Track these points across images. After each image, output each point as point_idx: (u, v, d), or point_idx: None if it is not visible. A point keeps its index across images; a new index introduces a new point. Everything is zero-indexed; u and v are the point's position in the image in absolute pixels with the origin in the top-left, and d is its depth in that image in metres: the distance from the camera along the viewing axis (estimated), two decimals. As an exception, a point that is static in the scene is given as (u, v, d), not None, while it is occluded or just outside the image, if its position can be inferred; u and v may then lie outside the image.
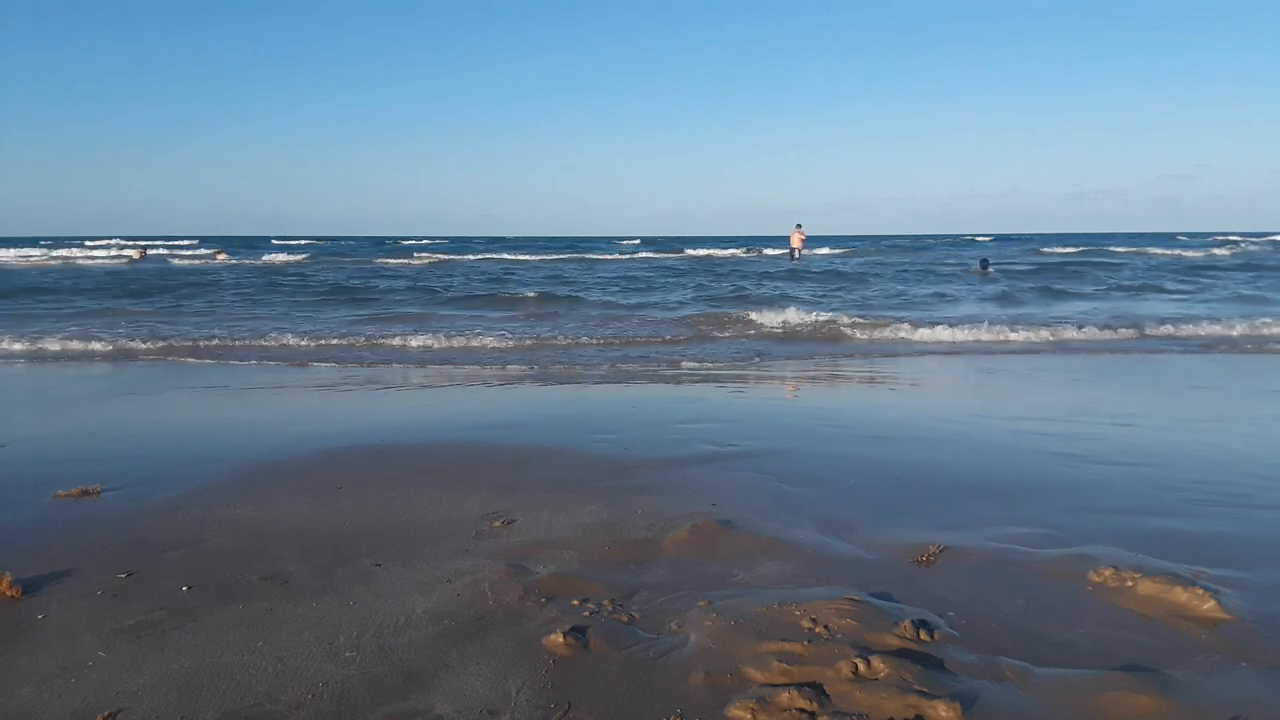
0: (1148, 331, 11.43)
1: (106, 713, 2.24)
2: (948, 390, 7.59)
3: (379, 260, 35.13)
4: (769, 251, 41.69)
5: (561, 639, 2.56)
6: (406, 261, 34.43)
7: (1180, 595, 2.84)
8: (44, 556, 3.30)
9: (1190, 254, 35.55)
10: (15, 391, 7.68)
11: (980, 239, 71.94)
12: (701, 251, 42.35)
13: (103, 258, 36.02)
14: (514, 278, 23.98)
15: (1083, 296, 17.76)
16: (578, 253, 42.40)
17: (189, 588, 3.03)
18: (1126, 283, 20.72)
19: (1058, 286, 19.55)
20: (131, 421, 6.04)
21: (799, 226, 31.48)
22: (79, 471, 4.44)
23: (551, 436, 5.32)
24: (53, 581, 3.07)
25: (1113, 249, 42.54)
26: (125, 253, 39.09)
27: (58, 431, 5.73)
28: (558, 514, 3.79)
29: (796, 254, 31.70)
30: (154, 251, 39.83)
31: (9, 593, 2.94)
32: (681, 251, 42.94)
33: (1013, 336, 11.11)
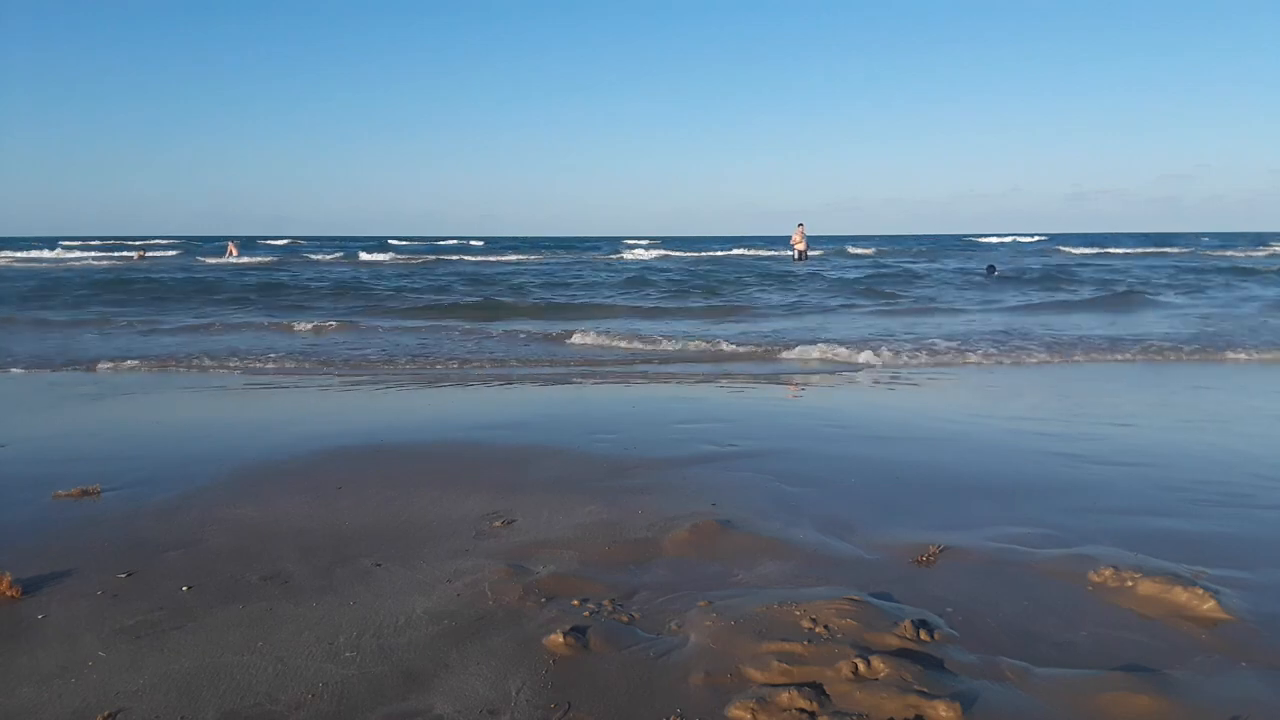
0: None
1: (106, 713, 2.24)
2: (947, 390, 7.58)
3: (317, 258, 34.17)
4: (738, 251, 40.50)
5: (561, 639, 2.56)
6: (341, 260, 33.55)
7: (1180, 595, 2.84)
8: (44, 556, 3.30)
9: (1232, 254, 33.99)
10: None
11: (998, 238, 69.46)
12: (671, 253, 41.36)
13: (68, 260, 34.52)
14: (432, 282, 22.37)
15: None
16: (570, 253, 41.78)
17: (189, 588, 3.03)
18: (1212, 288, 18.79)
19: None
20: (131, 421, 6.04)
21: (801, 225, 29.83)
22: (79, 471, 4.44)
23: (551, 436, 5.32)
24: (53, 581, 3.07)
25: (1138, 250, 41.57)
26: (120, 254, 38.81)
27: (58, 431, 5.73)
28: (558, 514, 3.79)
29: (799, 255, 30.10)
30: (153, 254, 39.63)
31: (9, 593, 2.94)
32: (624, 253, 41.83)
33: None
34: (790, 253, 32.02)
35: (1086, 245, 49.76)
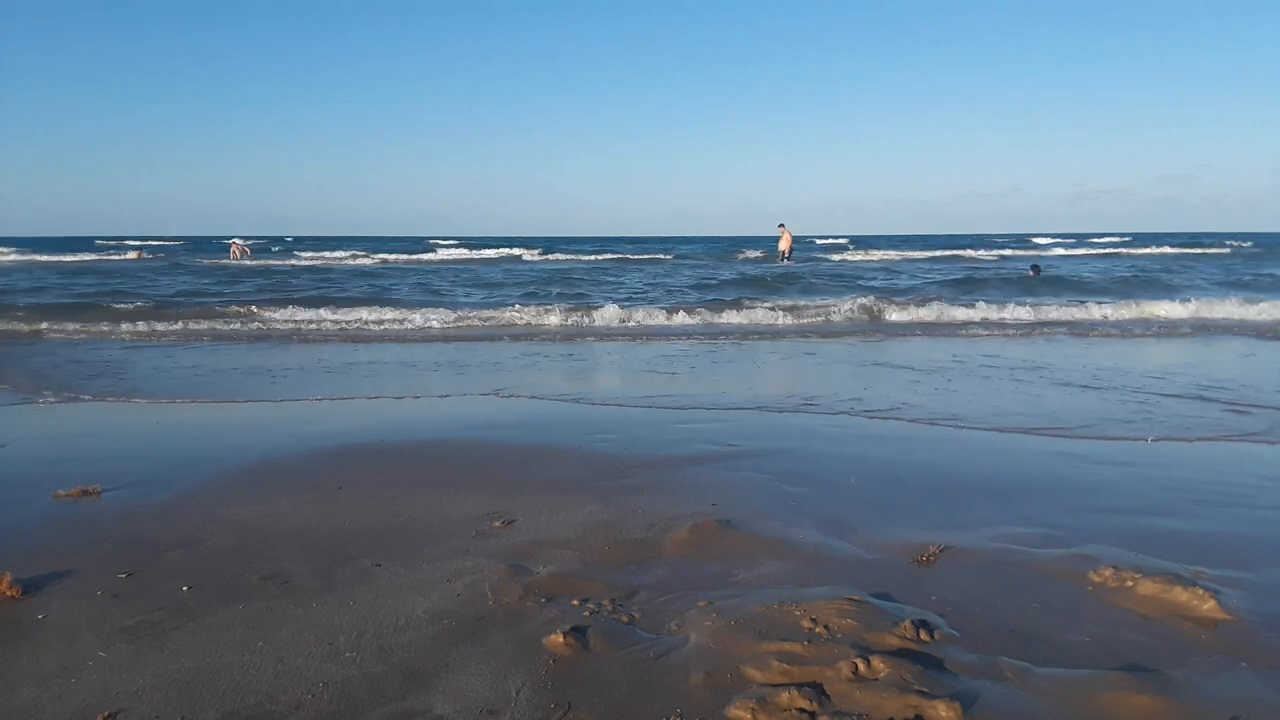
0: None
1: (106, 713, 2.24)
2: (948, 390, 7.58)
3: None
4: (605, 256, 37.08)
5: (561, 639, 2.57)
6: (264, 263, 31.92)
7: (1180, 595, 2.84)
8: (44, 556, 3.30)
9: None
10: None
11: (1038, 239, 65.95)
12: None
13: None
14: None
15: None
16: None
17: (189, 588, 3.03)
18: None
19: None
20: (131, 421, 6.04)
21: (783, 226, 28.45)
22: (79, 471, 4.44)
23: (551, 436, 5.32)
24: (53, 581, 3.07)
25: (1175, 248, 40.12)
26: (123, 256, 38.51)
27: (58, 431, 5.74)
28: (558, 514, 3.79)
29: (784, 257, 28.80)
30: (149, 255, 39.46)
31: (9, 593, 2.94)
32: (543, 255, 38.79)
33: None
34: (777, 254, 31.28)
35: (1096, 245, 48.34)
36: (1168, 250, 40.58)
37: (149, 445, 5.24)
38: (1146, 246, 45.16)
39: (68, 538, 3.52)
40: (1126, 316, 13.89)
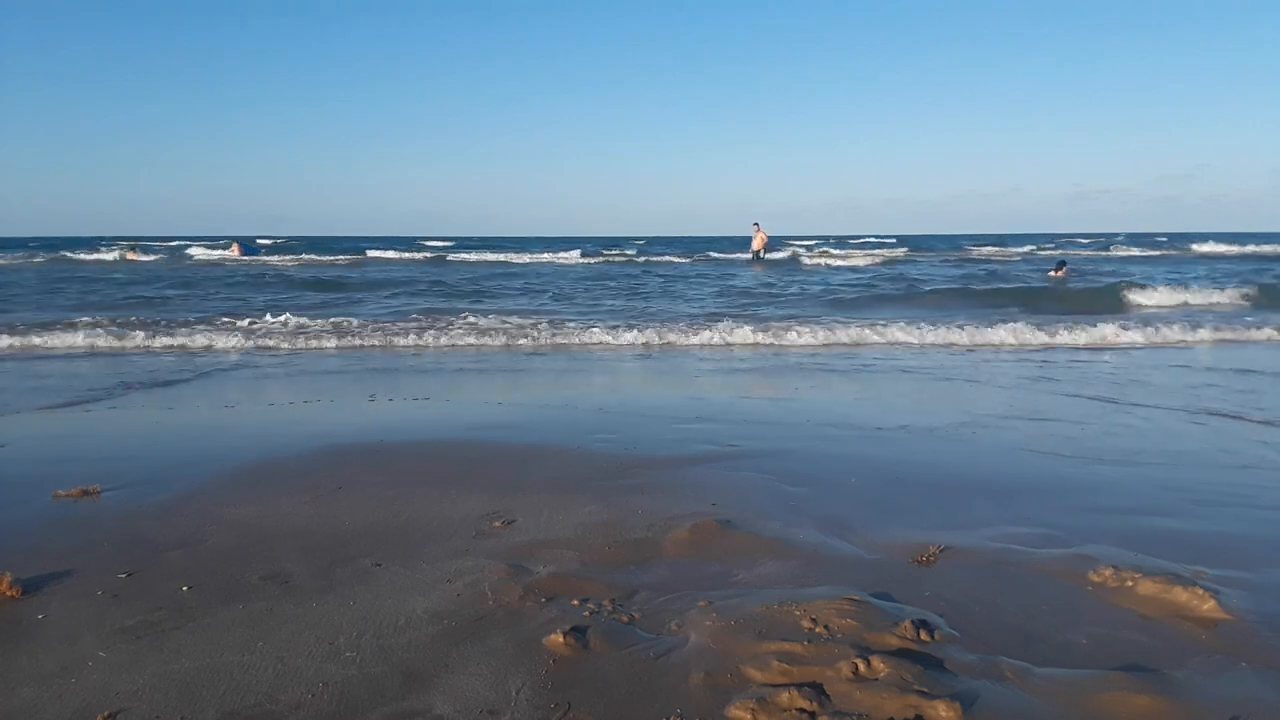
0: None
1: (106, 713, 2.24)
2: (949, 389, 7.58)
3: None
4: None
5: (561, 639, 2.57)
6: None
7: (1180, 595, 2.85)
8: (44, 556, 3.30)
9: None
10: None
11: (1063, 239, 64.18)
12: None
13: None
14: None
15: None
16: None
17: (189, 588, 3.03)
18: None
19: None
20: (131, 421, 6.04)
21: (757, 225, 28.58)
22: (79, 471, 4.44)
23: (551, 436, 5.32)
24: (53, 581, 3.07)
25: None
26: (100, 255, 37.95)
27: (57, 431, 5.73)
28: (558, 514, 3.79)
29: (759, 256, 28.71)
30: (147, 254, 39.26)
31: (9, 593, 2.94)
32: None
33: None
34: (747, 254, 30.86)
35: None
36: (1214, 249, 38.56)
37: (149, 445, 5.24)
38: (1160, 250, 43.97)
39: (68, 538, 3.51)
40: None
